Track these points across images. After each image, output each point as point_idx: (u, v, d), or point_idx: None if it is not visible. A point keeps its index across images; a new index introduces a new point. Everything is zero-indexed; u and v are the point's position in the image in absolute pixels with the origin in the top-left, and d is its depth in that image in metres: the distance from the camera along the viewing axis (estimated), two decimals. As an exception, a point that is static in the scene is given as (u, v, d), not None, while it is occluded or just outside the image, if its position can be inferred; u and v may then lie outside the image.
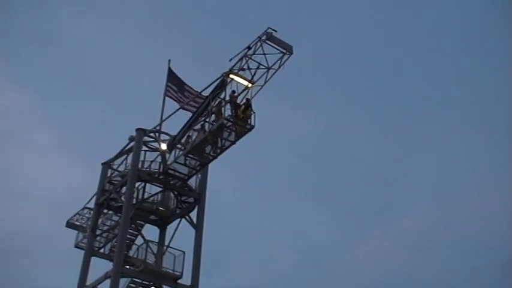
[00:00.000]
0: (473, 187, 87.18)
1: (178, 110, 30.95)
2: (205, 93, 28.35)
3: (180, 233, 30.20)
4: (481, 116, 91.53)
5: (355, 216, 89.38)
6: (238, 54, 26.30)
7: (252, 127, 26.57)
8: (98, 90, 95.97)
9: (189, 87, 31.25)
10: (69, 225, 34.92)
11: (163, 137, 30.82)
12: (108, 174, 31.59)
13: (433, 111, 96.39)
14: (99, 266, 30.20)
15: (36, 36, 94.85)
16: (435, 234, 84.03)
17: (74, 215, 34.77)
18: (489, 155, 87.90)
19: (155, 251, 29.31)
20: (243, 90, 27.00)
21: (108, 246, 31.23)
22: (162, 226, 31.44)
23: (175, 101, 31.59)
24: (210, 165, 30.12)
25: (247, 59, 26.18)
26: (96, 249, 31.14)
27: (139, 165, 29.66)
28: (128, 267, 28.14)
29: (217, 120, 26.75)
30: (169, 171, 29.40)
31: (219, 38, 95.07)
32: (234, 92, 26.91)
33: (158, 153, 30.18)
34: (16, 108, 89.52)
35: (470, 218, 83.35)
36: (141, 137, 30.37)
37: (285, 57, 26.13)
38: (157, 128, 31.30)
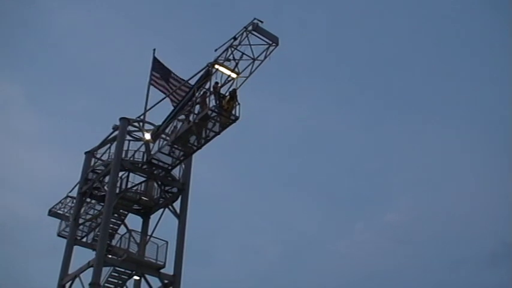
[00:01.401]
0: (456, 180, 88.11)
1: (163, 99, 30.84)
2: (191, 83, 28.27)
3: (164, 223, 30.24)
4: (465, 110, 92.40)
5: (340, 209, 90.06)
6: (224, 45, 26.28)
7: (237, 118, 26.56)
8: (82, 79, 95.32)
9: (175, 75, 31.07)
10: (52, 213, 34.78)
11: (147, 126, 30.71)
12: (92, 163, 31.47)
13: (418, 104, 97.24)
14: (82, 255, 30.20)
15: (21, 25, 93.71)
16: (418, 227, 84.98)
17: (57, 204, 34.61)
18: (473, 148, 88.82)
19: (138, 241, 29.33)
20: (228, 81, 26.97)
21: (91, 235, 31.20)
22: (146, 216, 31.40)
23: (159, 90, 31.45)
24: (195, 156, 30.13)
25: (232, 49, 26.13)
26: (79, 238, 31.07)
27: (123, 155, 29.56)
28: (110, 256, 28.11)
29: (202, 111, 26.72)
30: (153, 161, 29.35)
31: (205, 28, 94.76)
32: (217, 83, 26.85)
33: (142, 142, 30.10)
34: (0, 98, 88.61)
35: (453, 210, 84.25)
36: (125, 126, 30.25)
37: (271, 48, 26.11)
38: (142, 117, 31.18)
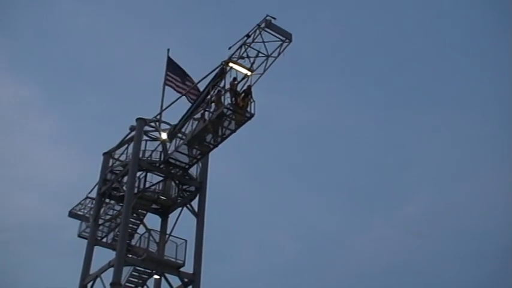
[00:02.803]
0: (475, 173, 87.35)
1: (178, 99, 31.05)
2: (205, 82, 28.41)
3: (182, 222, 30.41)
4: (484, 102, 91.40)
5: (358, 203, 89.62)
6: (237, 43, 26.32)
7: (252, 115, 26.62)
8: (98, 81, 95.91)
9: (189, 77, 31.31)
10: (72, 215, 35.18)
11: (163, 126, 30.91)
12: (110, 164, 31.73)
13: (436, 97, 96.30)
14: (102, 255, 30.43)
15: (36, 27, 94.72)
16: (437, 221, 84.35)
17: (77, 205, 35.00)
18: (491, 141, 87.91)
19: (157, 240, 29.54)
20: (243, 79, 27.04)
21: (111, 235, 31.40)
22: (164, 215, 31.60)
23: (175, 90, 31.64)
24: (211, 154, 30.21)
25: (246, 47, 26.18)
26: (99, 238, 31.31)
27: (140, 155, 29.78)
28: (130, 256, 28.31)
29: (217, 109, 26.81)
30: (170, 160, 29.52)
31: (219, 26, 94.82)
32: (235, 79, 26.93)
33: (159, 142, 30.28)
34: (17, 100, 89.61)
35: (472, 204, 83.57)
36: (142, 127, 30.46)
37: (284, 44, 26.14)
38: (158, 117, 31.39)
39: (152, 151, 30.18)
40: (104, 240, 31.54)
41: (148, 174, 30.26)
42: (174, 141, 29.54)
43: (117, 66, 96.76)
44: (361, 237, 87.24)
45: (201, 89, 28.81)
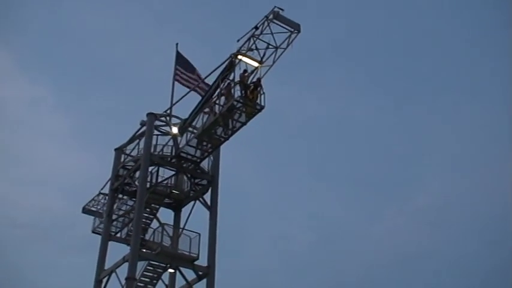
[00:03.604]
0: (488, 162, 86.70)
1: (188, 93, 31.09)
2: (214, 75, 28.38)
3: (195, 215, 30.53)
4: (498, 90, 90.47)
5: (369, 194, 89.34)
6: (245, 35, 26.25)
7: (262, 107, 26.57)
8: (108, 77, 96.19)
9: (198, 73, 31.32)
10: (86, 211, 35.43)
11: (174, 120, 30.96)
12: (122, 160, 31.83)
13: (448, 85, 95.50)
14: (117, 250, 30.63)
15: (46, 25, 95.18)
16: (449, 211, 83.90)
17: (90, 201, 35.23)
18: (504, 130, 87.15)
19: (171, 234, 29.63)
20: (252, 71, 26.99)
21: (125, 230, 31.60)
22: (177, 209, 31.72)
23: (184, 85, 31.65)
24: (222, 147, 30.22)
25: (255, 39, 26.10)
26: (113, 233, 31.53)
27: (152, 150, 29.87)
28: (144, 250, 28.48)
29: (227, 102, 26.79)
30: (182, 154, 29.57)
31: (227, 19, 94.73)
32: (245, 71, 26.88)
33: (170, 137, 30.33)
34: (28, 98, 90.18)
35: (484, 193, 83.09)
36: (153, 122, 30.52)
37: (293, 35, 26.02)
38: (168, 112, 31.43)
39: (163, 146, 30.28)
40: (118, 235, 31.76)
41: (160, 168, 30.34)
42: (185, 135, 29.57)
43: (127, 62, 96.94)
44: (374, 228, 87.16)
45: (211, 83, 28.78)
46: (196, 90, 30.55)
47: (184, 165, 30.16)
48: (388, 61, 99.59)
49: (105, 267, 29.61)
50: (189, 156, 29.67)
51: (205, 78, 30.33)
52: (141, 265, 28.14)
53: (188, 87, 31.37)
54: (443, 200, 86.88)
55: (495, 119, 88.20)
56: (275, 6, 25.42)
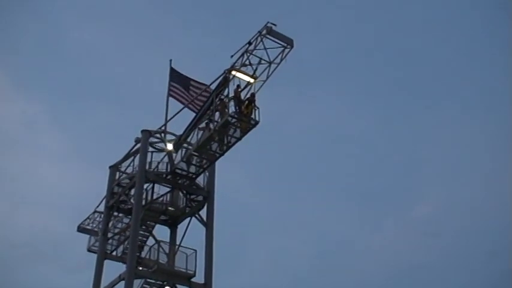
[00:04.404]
0: (486, 171, 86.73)
1: (182, 109, 30.98)
2: (211, 88, 28.34)
3: (191, 232, 30.30)
4: (493, 99, 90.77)
5: (367, 206, 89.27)
6: (239, 51, 26.32)
7: (257, 122, 26.57)
8: (103, 94, 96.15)
9: (195, 81, 31.04)
10: (81, 229, 35.14)
11: (169, 137, 30.89)
12: (116, 177, 31.73)
13: (444, 94, 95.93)
14: (113, 269, 30.37)
15: (40, 43, 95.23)
16: (448, 220, 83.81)
17: (85, 220, 34.98)
18: (501, 138, 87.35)
19: (167, 251, 29.41)
20: (246, 86, 27.03)
21: (120, 248, 31.37)
22: (173, 226, 31.52)
23: (178, 101, 31.61)
24: (218, 162, 30.13)
25: (248, 54, 26.16)
26: (109, 252, 31.27)
27: (147, 167, 29.76)
28: (141, 268, 28.25)
29: (222, 118, 26.77)
30: (177, 170, 29.49)
31: (220, 35, 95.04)
32: (238, 86, 26.93)
33: (165, 153, 30.27)
34: (24, 117, 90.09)
35: (483, 202, 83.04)
36: (147, 138, 30.45)
37: (286, 50, 26.10)
38: (163, 128, 31.38)
39: (158, 162, 30.22)
40: (114, 253, 31.49)
41: (156, 185, 30.24)
42: (180, 151, 29.52)
43: (121, 79, 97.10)
44: (373, 240, 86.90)
45: (206, 97, 28.76)
46: (190, 107, 30.47)
47: (180, 181, 30.05)
48: (382, 73, 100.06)
49: (101, 286, 29.37)
50: (185, 173, 29.58)
51: (201, 93, 30.23)
52: (137, 283, 27.93)
53: (183, 102, 31.30)
54: (442, 211, 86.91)
55: (492, 129, 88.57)
56: (268, 22, 25.54)
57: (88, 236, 34.36)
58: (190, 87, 31.05)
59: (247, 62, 26.35)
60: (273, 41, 25.84)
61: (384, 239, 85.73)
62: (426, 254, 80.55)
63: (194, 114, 29.33)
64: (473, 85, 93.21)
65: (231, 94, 26.89)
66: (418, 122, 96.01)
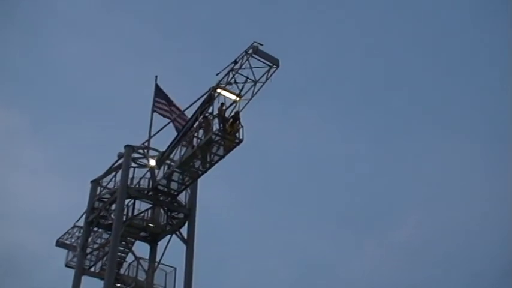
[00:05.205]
0: (467, 195, 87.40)
1: (166, 125, 30.95)
2: (193, 108, 28.40)
3: (171, 249, 30.04)
4: (475, 125, 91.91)
5: (349, 229, 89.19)
6: (225, 69, 26.42)
7: (241, 141, 26.58)
8: (86, 108, 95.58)
9: (176, 107, 31.21)
10: (59, 244, 34.69)
11: (152, 153, 30.74)
12: (98, 192, 31.42)
13: (426, 118, 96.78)
14: (90, 285, 30.01)
15: (24, 56, 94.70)
16: (430, 244, 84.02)
17: (64, 234, 34.56)
18: (483, 163, 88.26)
19: (146, 268, 29.16)
20: (231, 105, 27.08)
21: (99, 264, 31.00)
22: (153, 242, 31.20)
23: (163, 115, 31.56)
24: (200, 180, 30.01)
25: (234, 73, 26.27)
26: (87, 267, 30.82)
27: (129, 182, 29.53)
28: (119, 285, 28.02)
29: (206, 135, 26.74)
30: (159, 187, 29.32)
31: (206, 53, 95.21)
32: (222, 104, 26.97)
33: (147, 169, 30.10)
34: (4, 129, 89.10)
35: (464, 226, 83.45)
36: (130, 154, 30.28)
37: (272, 70, 26.26)
38: (146, 144, 31.24)
39: (140, 178, 29.99)
40: (92, 269, 31.06)
41: (137, 201, 30.00)
42: (162, 168, 29.38)
43: (106, 93, 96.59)
44: (354, 262, 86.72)
45: (189, 115, 28.76)
46: (173, 123, 30.44)
47: (161, 198, 29.86)
48: (368, 94, 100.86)
49: (78, 303, 28.93)
50: (166, 189, 29.41)
51: (185, 110, 30.28)
52: (115, 300, 27.58)
53: (168, 117, 31.26)
54: (423, 234, 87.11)
55: (474, 152, 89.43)
56: (254, 41, 25.70)
57: (66, 251, 33.96)
58: (172, 107, 31.15)
59: (232, 81, 26.44)
60: (259, 60, 25.99)
61: (365, 262, 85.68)
62: (408, 277, 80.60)
63: (178, 131, 29.29)
64: (456, 109, 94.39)
65: (216, 112, 26.92)
66: (401, 147, 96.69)
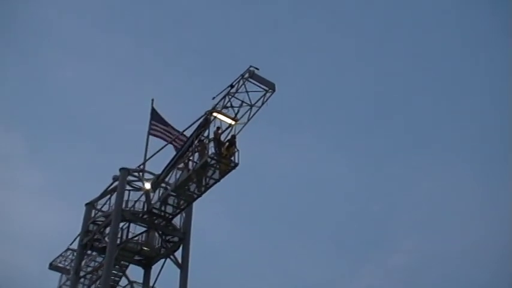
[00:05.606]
0: (462, 218, 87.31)
1: (162, 148, 30.93)
2: (189, 131, 28.44)
3: (165, 273, 29.84)
4: (470, 149, 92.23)
5: (345, 253, 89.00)
6: (221, 93, 26.47)
7: (236, 165, 26.54)
8: (82, 131, 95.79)
9: (173, 128, 31.30)
10: (53, 267, 34.48)
11: (147, 176, 30.66)
12: (92, 215, 31.23)
13: (421, 144, 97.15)
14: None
15: (21, 78, 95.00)
16: (426, 268, 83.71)
17: (58, 257, 34.36)
18: (478, 187, 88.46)
19: (140, 292, 28.91)
20: (227, 128, 27.12)
21: (92, 288, 30.75)
22: (147, 266, 30.97)
23: (160, 138, 31.57)
24: (195, 204, 29.91)
25: (230, 97, 26.30)
26: (80, 291, 30.61)
27: (123, 205, 29.39)
28: (112, 309, 27.67)
29: (201, 159, 26.73)
30: (154, 210, 29.17)
31: (203, 76, 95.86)
32: (218, 128, 26.99)
33: (142, 192, 29.98)
34: (1, 150, 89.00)
35: (461, 249, 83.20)
36: (125, 177, 30.20)
37: (268, 94, 26.29)
38: (141, 167, 31.19)
39: (135, 201, 29.85)
40: (85, 293, 30.83)
41: (131, 224, 29.86)
42: (157, 191, 29.29)
43: (102, 116, 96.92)
44: (350, 286, 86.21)
45: (185, 139, 28.77)
46: (172, 144, 30.46)
47: (156, 221, 29.71)
48: (362, 120, 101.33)
49: (70, 327, 28.62)
50: (161, 213, 29.28)
51: (180, 134, 30.30)
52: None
53: (164, 140, 31.28)
54: (420, 258, 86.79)
55: (469, 176, 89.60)
56: (250, 66, 25.77)
57: (59, 274, 33.67)
58: (169, 129, 31.20)
59: (228, 104, 26.48)
60: (255, 84, 26.05)
61: (362, 286, 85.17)
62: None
63: (173, 154, 29.28)
64: (450, 133, 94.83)
65: (211, 135, 26.95)
66: (398, 170, 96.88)
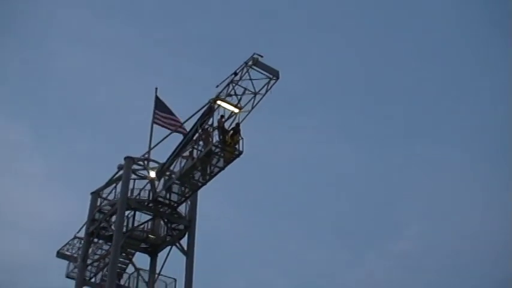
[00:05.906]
0: (466, 207, 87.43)
1: (167, 137, 31.05)
2: (193, 120, 28.53)
3: (171, 261, 30.10)
4: (474, 136, 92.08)
5: (350, 239, 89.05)
6: (225, 81, 26.47)
7: (241, 153, 26.63)
8: (87, 120, 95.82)
9: (176, 116, 31.41)
10: (60, 255, 34.79)
11: (152, 164, 30.84)
12: (98, 204, 31.49)
13: (425, 131, 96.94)
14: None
15: (24, 68, 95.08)
16: (429, 256, 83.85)
17: (65, 245, 34.65)
18: (483, 174, 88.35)
19: (146, 279, 29.22)
20: (231, 116, 27.17)
21: (99, 275, 31.08)
22: (153, 254, 31.25)
23: (164, 127, 31.70)
24: (200, 192, 30.09)
25: (234, 84, 26.32)
26: (88, 278, 30.93)
27: (129, 194, 29.59)
28: (119, 296, 27.98)
29: (206, 147, 26.85)
30: (159, 198, 29.38)
31: (206, 64, 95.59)
32: (222, 116, 27.04)
33: (147, 181, 30.18)
34: (6, 141, 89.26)
35: (463, 238, 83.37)
36: (130, 165, 30.37)
37: (272, 82, 26.29)
38: (146, 155, 31.35)
39: (140, 190, 30.04)
40: (93, 280, 31.18)
41: (137, 213, 30.07)
42: (162, 179, 29.46)
43: (106, 105, 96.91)
44: (354, 273, 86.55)
45: (189, 127, 28.89)
46: (178, 131, 30.57)
47: (161, 209, 29.91)
48: (366, 107, 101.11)
49: (79, 314, 28.95)
50: (167, 201, 29.47)
51: (185, 122, 30.43)
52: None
53: (168, 128, 31.41)
54: (423, 245, 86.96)
55: (473, 165, 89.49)
56: (254, 53, 25.70)
57: (67, 262, 34.01)
58: (174, 119, 31.30)
59: (232, 92, 26.49)
60: (259, 72, 26.02)
61: (364, 273, 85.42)
62: (408, 287, 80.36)
63: (178, 143, 29.40)
64: (454, 123, 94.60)
65: (215, 124, 27.03)
66: (402, 157, 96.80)
